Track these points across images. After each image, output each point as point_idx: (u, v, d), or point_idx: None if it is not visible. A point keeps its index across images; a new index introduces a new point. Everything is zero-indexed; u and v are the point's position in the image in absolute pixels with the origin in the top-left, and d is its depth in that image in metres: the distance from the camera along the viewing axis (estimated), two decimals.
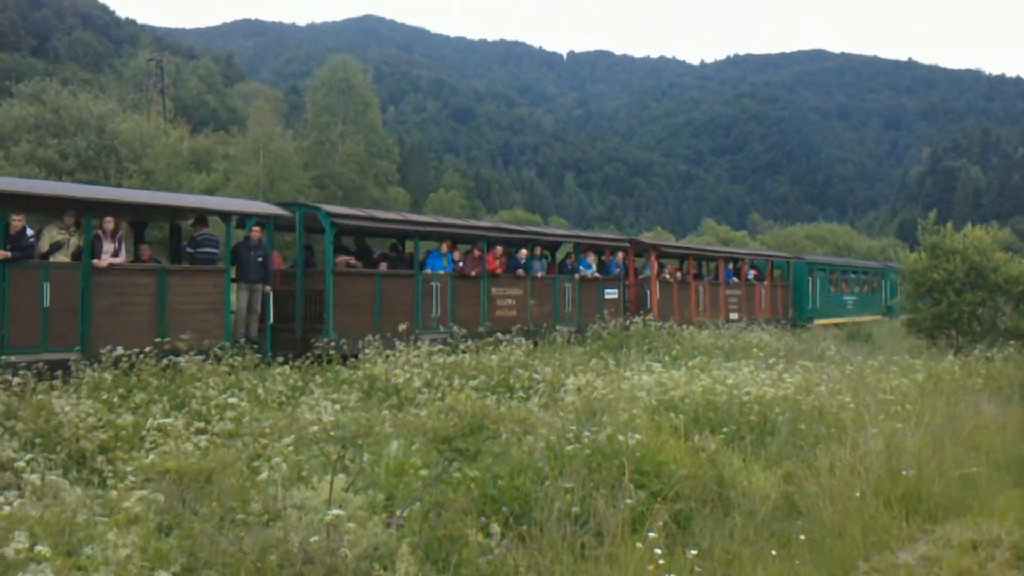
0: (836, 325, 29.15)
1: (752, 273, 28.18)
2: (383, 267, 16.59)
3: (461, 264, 17.41)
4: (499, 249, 19.12)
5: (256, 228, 14.20)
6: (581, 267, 20.88)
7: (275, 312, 14.33)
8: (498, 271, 18.37)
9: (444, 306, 16.61)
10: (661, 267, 24.86)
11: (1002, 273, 19.07)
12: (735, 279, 27.00)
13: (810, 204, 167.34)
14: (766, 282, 28.75)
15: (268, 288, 14.09)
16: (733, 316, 25.32)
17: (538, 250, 20.10)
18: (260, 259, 14.09)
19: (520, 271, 18.78)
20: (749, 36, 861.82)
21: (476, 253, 17.85)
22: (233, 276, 13.98)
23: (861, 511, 6.65)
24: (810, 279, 31.14)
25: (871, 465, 7.38)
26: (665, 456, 6.78)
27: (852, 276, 35.86)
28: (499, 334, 15.80)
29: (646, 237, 40.86)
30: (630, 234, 43.28)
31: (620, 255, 22.54)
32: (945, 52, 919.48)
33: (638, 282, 23.52)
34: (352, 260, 16.46)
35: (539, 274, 19.29)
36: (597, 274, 21.26)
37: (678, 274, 25.05)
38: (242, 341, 13.09)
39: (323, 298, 14.63)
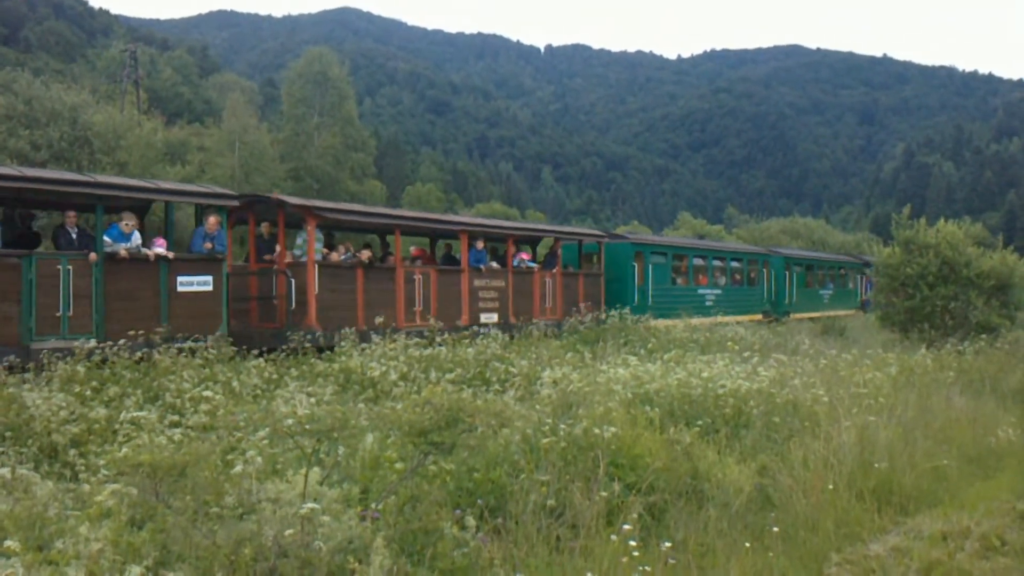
0: None
1: (525, 256, 20.52)
2: None
3: None
4: None
5: None
6: (108, 238, 12.15)
7: None
8: None
9: None
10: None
11: (974, 268, 19.32)
12: (494, 264, 19.10)
13: (785, 198, 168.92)
14: (556, 270, 20.63)
15: None
16: (488, 318, 18.02)
17: None
18: None
19: None
20: (725, 31, 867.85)
21: None
22: None
23: (834, 503, 6.71)
24: (636, 266, 23.32)
25: (844, 458, 7.45)
26: (640, 449, 6.81)
27: (716, 264, 27.54)
28: None
29: (622, 230, 33.66)
30: (607, 228, 38.62)
31: (212, 220, 13.28)
32: (919, 49, 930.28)
33: (289, 268, 14.70)
34: None
35: None
36: (162, 251, 12.53)
37: (362, 254, 16.17)
38: None
39: None
